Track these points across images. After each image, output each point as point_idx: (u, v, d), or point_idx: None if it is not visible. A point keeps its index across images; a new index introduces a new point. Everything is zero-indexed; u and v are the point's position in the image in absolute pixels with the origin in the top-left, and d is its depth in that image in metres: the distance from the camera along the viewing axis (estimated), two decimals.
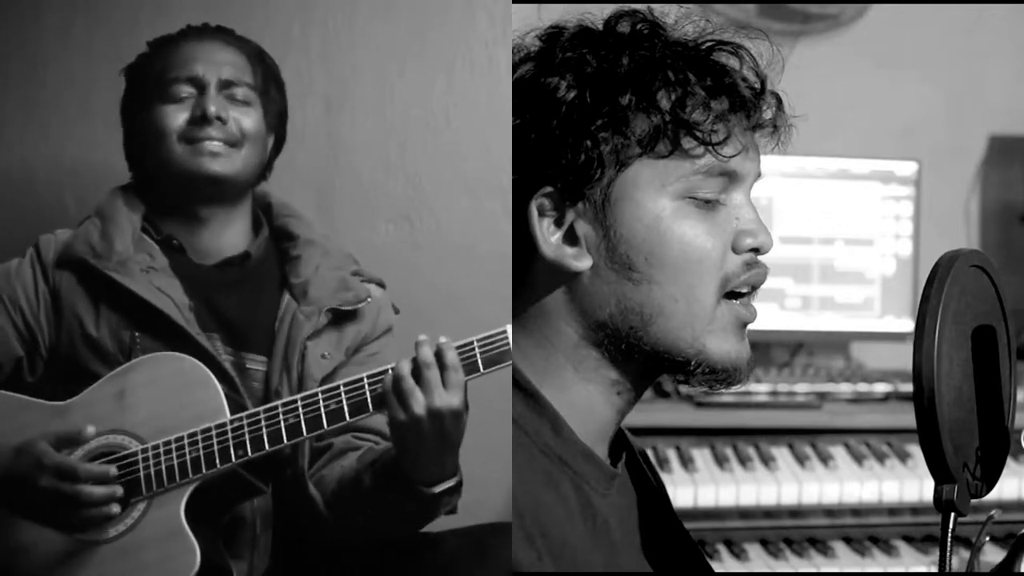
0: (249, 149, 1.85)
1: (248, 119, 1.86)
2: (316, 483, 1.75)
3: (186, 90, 1.84)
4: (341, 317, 1.82)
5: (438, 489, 1.62)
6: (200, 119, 1.81)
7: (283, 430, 1.62)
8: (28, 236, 1.87)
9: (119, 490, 1.60)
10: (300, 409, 1.62)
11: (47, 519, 1.60)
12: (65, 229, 1.84)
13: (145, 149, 1.86)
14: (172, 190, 1.85)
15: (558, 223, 1.16)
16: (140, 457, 1.63)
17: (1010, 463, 1.84)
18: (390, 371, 1.58)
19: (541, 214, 1.16)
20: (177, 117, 1.82)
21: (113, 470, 1.60)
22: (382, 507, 1.67)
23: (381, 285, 1.91)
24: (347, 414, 1.61)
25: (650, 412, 2.50)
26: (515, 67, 1.18)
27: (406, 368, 1.57)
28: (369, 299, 1.85)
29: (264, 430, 1.61)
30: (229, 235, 1.86)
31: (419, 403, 1.55)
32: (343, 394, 1.61)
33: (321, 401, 1.61)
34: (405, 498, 1.63)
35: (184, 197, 1.84)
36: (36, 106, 2.32)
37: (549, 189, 1.15)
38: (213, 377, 1.66)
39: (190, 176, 1.81)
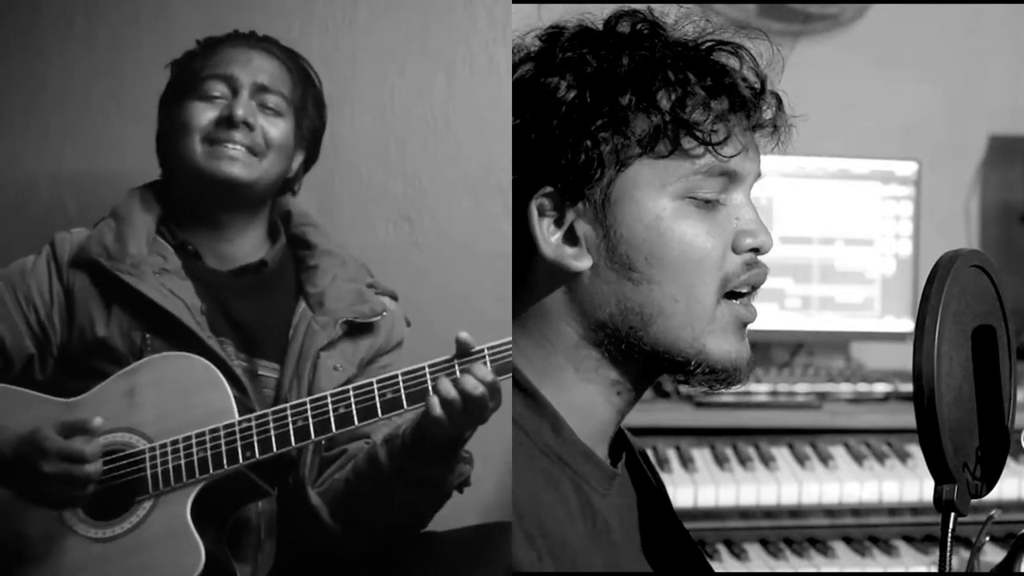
0: (272, 159, 1.83)
1: (276, 129, 1.84)
2: (327, 487, 1.74)
3: (219, 89, 1.82)
4: (356, 329, 1.82)
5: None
6: (226, 121, 1.80)
7: (291, 433, 1.61)
8: (27, 236, 1.87)
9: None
10: (309, 412, 1.61)
11: (43, 498, 1.60)
12: (81, 229, 1.83)
13: (169, 144, 1.85)
14: (189, 190, 1.84)
15: (558, 223, 1.16)
16: (147, 456, 1.63)
17: (1010, 463, 1.84)
18: (431, 393, 1.58)
19: (541, 214, 1.16)
20: (205, 115, 1.81)
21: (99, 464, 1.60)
22: (397, 483, 1.66)
23: (394, 298, 1.90)
24: (356, 418, 1.60)
25: (650, 412, 2.50)
26: (515, 67, 1.18)
27: (452, 391, 1.57)
28: (385, 312, 1.84)
29: (272, 432, 1.61)
30: (245, 242, 1.85)
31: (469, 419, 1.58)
32: (352, 398, 1.61)
33: (330, 404, 1.61)
34: (421, 467, 1.63)
35: (201, 199, 1.83)
36: (36, 106, 2.32)
37: (549, 189, 1.15)
38: (223, 378, 1.66)
39: (206, 177, 1.80)
